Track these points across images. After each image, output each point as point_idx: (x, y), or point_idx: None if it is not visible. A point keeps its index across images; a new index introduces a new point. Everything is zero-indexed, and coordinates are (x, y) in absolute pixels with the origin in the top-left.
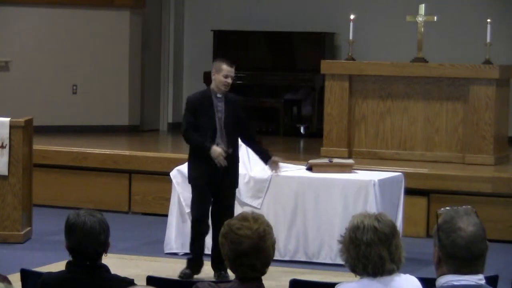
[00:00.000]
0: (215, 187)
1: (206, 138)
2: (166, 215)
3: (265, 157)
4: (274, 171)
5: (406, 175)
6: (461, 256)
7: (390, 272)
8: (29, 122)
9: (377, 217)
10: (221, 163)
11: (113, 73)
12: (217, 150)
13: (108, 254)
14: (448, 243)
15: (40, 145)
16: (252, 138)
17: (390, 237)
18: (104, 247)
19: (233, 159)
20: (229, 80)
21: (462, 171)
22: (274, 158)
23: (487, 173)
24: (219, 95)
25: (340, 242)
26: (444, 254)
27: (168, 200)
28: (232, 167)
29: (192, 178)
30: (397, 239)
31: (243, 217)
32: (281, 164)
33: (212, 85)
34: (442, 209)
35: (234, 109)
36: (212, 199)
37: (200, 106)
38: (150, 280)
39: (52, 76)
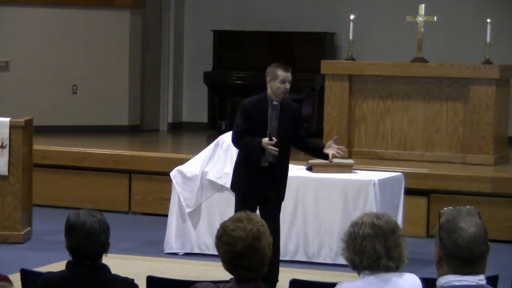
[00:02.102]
0: (261, 197)
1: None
2: (166, 215)
3: (320, 152)
4: (334, 153)
5: (406, 175)
6: (462, 256)
7: (387, 269)
8: (29, 122)
9: (378, 215)
10: (273, 152)
11: (113, 73)
12: (264, 140)
13: (108, 254)
14: (449, 243)
15: (40, 145)
16: (306, 146)
17: (387, 233)
18: (104, 247)
19: (282, 169)
20: (287, 86)
21: (462, 171)
22: (326, 147)
23: (487, 173)
24: (275, 103)
25: (342, 239)
26: (444, 254)
27: (168, 200)
28: (280, 178)
29: (237, 186)
30: (396, 237)
31: (237, 218)
32: (334, 146)
33: (269, 92)
34: (445, 208)
35: (290, 117)
36: (257, 209)
37: (253, 112)
38: (150, 280)
39: (52, 76)
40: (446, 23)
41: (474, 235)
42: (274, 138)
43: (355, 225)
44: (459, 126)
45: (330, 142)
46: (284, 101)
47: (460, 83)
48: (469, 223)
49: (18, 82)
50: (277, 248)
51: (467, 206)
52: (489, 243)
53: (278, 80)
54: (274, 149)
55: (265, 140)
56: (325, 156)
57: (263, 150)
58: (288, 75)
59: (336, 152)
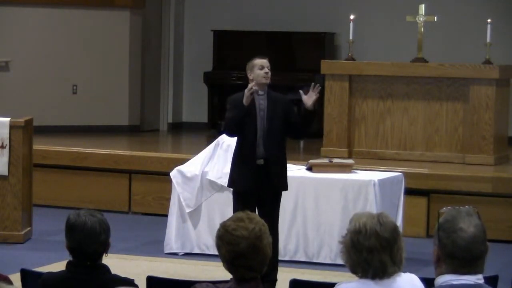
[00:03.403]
0: (258, 196)
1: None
2: (166, 215)
3: (304, 114)
4: (314, 99)
5: (406, 175)
6: (461, 256)
7: (391, 274)
8: (29, 122)
9: (379, 220)
10: (251, 90)
11: (113, 73)
12: (245, 94)
13: (108, 254)
14: (448, 243)
15: (40, 145)
16: (297, 127)
17: (391, 242)
18: (104, 247)
19: (278, 161)
20: (266, 70)
21: (462, 171)
22: (304, 102)
23: (487, 173)
24: (260, 93)
25: (341, 242)
26: (443, 254)
27: (168, 200)
28: (276, 170)
29: (232, 182)
30: (399, 242)
31: (238, 217)
32: (310, 93)
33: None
34: (444, 208)
35: (278, 107)
36: (256, 205)
37: (241, 104)
38: (150, 280)
39: (52, 76)
40: (446, 23)
41: (473, 235)
42: (253, 84)
43: (358, 233)
44: (459, 126)
45: (304, 97)
46: (270, 93)
47: (460, 83)
48: (468, 223)
49: (18, 82)
50: (276, 247)
51: (466, 206)
52: (487, 243)
53: (256, 67)
54: (251, 85)
55: (245, 93)
56: (311, 111)
57: (249, 113)
58: (265, 61)
59: (315, 95)
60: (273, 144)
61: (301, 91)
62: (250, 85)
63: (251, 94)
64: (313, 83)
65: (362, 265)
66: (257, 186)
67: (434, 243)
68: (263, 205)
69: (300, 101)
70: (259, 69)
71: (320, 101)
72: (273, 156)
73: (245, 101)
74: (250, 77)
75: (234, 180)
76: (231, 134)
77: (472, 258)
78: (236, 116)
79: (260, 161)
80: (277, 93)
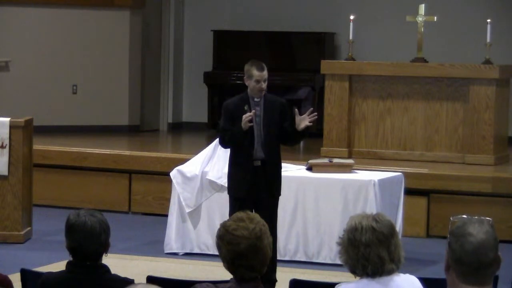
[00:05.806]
0: (256, 197)
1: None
2: (166, 215)
3: (296, 131)
4: (307, 123)
5: (406, 175)
6: (468, 262)
7: (390, 272)
8: (29, 122)
9: (375, 218)
10: (250, 118)
11: (113, 73)
12: (243, 120)
13: (108, 254)
14: (456, 248)
15: (40, 145)
16: (286, 136)
17: (389, 237)
18: (104, 247)
19: (274, 164)
20: (263, 85)
21: (462, 171)
22: (297, 122)
23: (487, 173)
24: (256, 99)
25: (338, 243)
26: (452, 259)
27: (168, 200)
28: (273, 176)
29: (230, 189)
30: (395, 238)
31: (238, 218)
32: (305, 117)
33: (249, 90)
34: (457, 216)
35: (274, 113)
36: (253, 209)
37: (237, 111)
38: (150, 280)
39: (52, 76)
40: (446, 23)
41: (482, 241)
42: (251, 113)
43: (354, 231)
44: (459, 126)
45: (297, 118)
46: (266, 97)
47: (460, 83)
48: (478, 229)
49: (18, 82)
50: (275, 249)
51: (482, 217)
52: (500, 255)
53: (253, 79)
54: (249, 114)
55: (243, 118)
56: (302, 132)
57: (246, 133)
58: (263, 74)
59: (309, 121)
60: (269, 148)
61: (296, 110)
62: (248, 114)
63: (249, 120)
64: (311, 109)
65: (361, 262)
66: (254, 189)
67: (446, 250)
68: (261, 209)
69: (298, 100)
70: (256, 82)
71: (320, 102)
72: (269, 159)
73: (243, 127)
74: (246, 82)
75: (232, 186)
76: (225, 147)
77: (480, 265)
78: (234, 137)
79: (258, 162)
80: (273, 96)
